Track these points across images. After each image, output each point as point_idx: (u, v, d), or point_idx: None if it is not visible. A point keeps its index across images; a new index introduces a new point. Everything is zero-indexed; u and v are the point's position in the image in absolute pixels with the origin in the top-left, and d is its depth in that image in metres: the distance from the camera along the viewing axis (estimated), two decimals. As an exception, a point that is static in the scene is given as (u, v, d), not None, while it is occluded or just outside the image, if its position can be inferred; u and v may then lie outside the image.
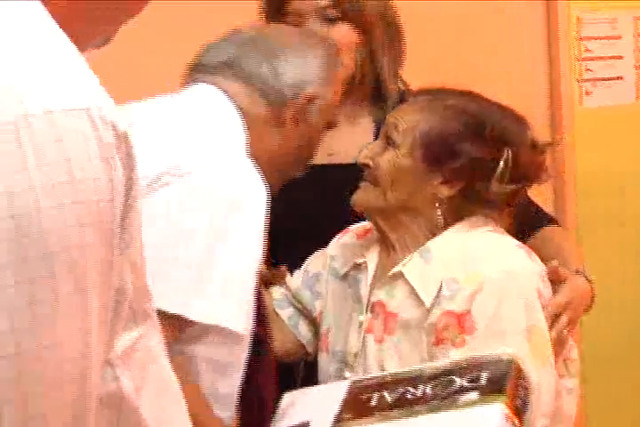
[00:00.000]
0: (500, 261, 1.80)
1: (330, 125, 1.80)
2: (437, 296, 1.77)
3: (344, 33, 2.08)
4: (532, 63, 3.47)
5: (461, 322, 1.74)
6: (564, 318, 1.84)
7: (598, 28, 3.51)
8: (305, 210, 2.06)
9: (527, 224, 2.09)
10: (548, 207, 3.05)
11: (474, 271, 1.77)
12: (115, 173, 0.94)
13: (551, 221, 2.21)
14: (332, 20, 2.07)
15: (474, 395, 1.58)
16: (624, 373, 3.60)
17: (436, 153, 1.84)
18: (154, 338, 1.09)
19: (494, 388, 1.59)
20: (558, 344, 1.84)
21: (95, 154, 0.92)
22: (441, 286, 1.78)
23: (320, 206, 2.02)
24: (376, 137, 2.07)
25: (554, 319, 1.83)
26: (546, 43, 3.45)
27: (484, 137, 1.84)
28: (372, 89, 2.14)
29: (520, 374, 1.63)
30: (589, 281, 1.95)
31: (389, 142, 1.87)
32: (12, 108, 0.90)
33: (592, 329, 3.05)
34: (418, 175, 1.84)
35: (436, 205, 1.83)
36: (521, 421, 1.58)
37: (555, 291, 1.86)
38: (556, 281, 1.86)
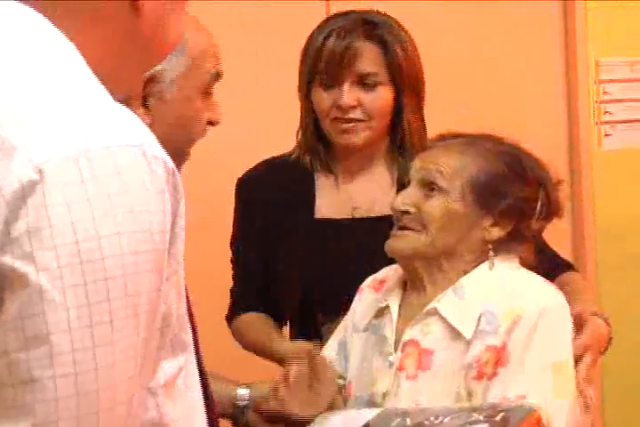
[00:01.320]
0: (535, 297, 1.81)
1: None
2: (476, 330, 1.77)
3: (382, 98, 2.10)
4: (552, 106, 3.49)
5: (499, 355, 1.75)
6: (587, 359, 1.85)
7: (617, 70, 3.53)
8: (340, 262, 2.06)
9: (546, 270, 2.06)
10: (566, 250, 3.22)
11: (511, 306, 1.77)
12: (166, 204, 0.97)
13: (569, 267, 2.21)
14: (369, 86, 2.08)
15: (484, 426, 1.63)
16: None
17: (488, 196, 1.84)
18: (191, 368, 1.11)
19: (504, 424, 1.62)
20: (584, 382, 1.84)
21: (150, 186, 0.96)
22: (479, 320, 1.78)
23: (357, 258, 2.00)
24: (398, 185, 2.11)
25: (577, 359, 1.83)
26: (565, 86, 3.49)
27: (525, 177, 1.86)
28: (391, 140, 2.15)
29: (538, 423, 1.64)
30: (608, 324, 1.96)
31: (433, 188, 1.85)
32: (74, 143, 0.93)
33: (610, 368, 3.05)
34: (470, 219, 1.84)
35: (489, 246, 1.83)
36: None
37: (576, 332, 1.87)
38: (578, 325, 1.87)
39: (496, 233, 1.84)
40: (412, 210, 1.85)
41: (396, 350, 1.86)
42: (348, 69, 2.07)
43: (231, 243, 2.32)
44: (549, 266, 2.12)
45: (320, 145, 2.19)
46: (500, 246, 1.87)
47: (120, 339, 0.96)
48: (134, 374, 0.98)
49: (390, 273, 1.98)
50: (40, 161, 0.93)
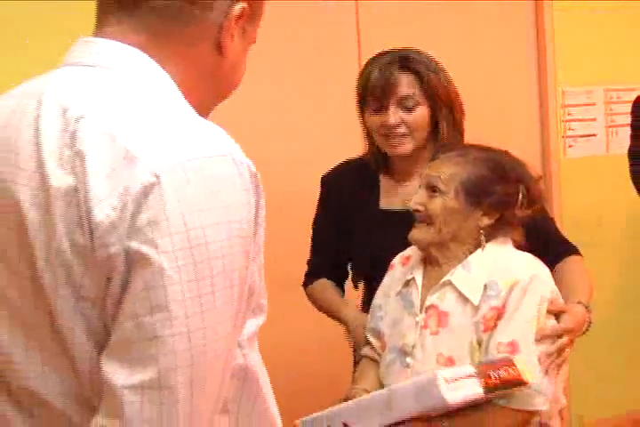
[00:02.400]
0: (527, 268, 1.93)
1: None
2: (483, 295, 1.89)
3: (420, 116, 2.23)
4: (529, 124, 3.77)
5: (499, 313, 1.87)
6: (564, 340, 1.93)
7: (577, 97, 3.87)
8: (395, 243, 2.12)
9: (555, 253, 2.22)
10: None
11: (509, 276, 1.89)
12: (251, 199, 1.06)
13: (576, 251, 2.28)
14: (409, 107, 2.22)
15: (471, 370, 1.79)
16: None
17: (476, 194, 1.95)
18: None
19: (486, 368, 1.78)
20: (558, 361, 1.92)
21: (239, 186, 1.05)
22: (485, 288, 1.90)
23: (406, 240, 2.03)
24: None
25: (554, 340, 1.92)
26: (539, 108, 3.78)
27: (506, 177, 1.97)
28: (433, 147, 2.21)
29: (511, 366, 1.78)
30: (589, 310, 2.05)
31: (435, 190, 1.97)
32: (181, 154, 1.03)
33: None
34: (464, 213, 1.96)
35: (481, 232, 1.95)
36: (489, 395, 1.78)
37: (558, 319, 1.95)
38: (553, 311, 1.94)
39: (486, 221, 1.96)
40: (421, 208, 1.98)
41: (420, 311, 1.98)
42: (390, 95, 2.20)
43: (313, 224, 2.44)
44: (560, 250, 2.25)
45: (379, 153, 2.31)
46: (494, 232, 1.98)
47: (220, 305, 1.03)
48: (231, 331, 1.06)
49: (415, 251, 2.08)
50: (156, 168, 1.00)
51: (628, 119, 3.47)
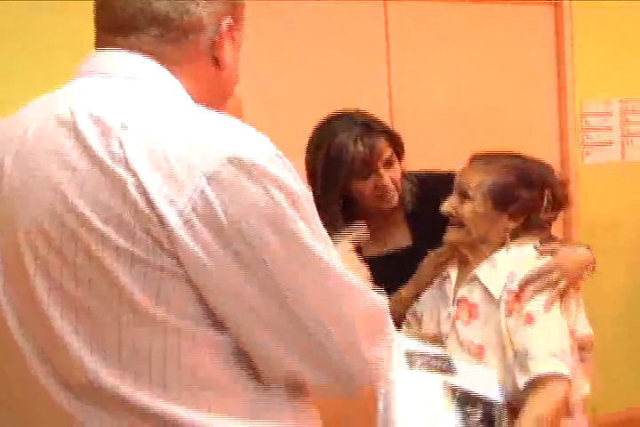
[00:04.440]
0: (538, 262, 1.99)
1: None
2: (504, 288, 1.95)
3: (399, 170, 2.29)
4: (550, 132, 3.81)
5: (518, 297, 1.94)
6: (555, 273, 1.97)
7: (594, 107, 3.91)
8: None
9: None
10: (558, 233, 3.22)
11: (525, 269, 1.97)
12: (293, 178, 1.14)
13: (553, 239, 2.16)
14: (390, 167, 2.25)
15: None
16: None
17: (502, 200, 1.99)
18: None
19: None
20: (553, 294, 1.96)
21: (291, 168, 1.14)
22: (506, 281, 1.96)
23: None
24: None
25: (548, 280, 1.96)
26: (558, 118, 3.83)
27: (531, 183, 2.00)
28: None
29: None
30: (590, 251, 2.07)
31: (465, 196, 2.01)
32: (221, 153, 1.09)
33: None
34: (491, 217, 2.00)
35: (507, 235, 1.99)
36: None
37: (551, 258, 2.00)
38: (545, 252, 2.01)
39: (512, 225, 2.00)
40: (453, 212, 2.03)
41: (453, 303, 2.03)
42: (378, 160, 2.22)
43: None
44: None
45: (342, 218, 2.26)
46: (520, 233, 2.01)
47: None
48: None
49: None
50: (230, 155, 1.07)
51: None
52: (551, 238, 2.10)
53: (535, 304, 1.91)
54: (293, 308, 1.12)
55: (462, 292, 2.02)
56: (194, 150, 1.08)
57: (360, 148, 2.18)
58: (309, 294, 1.13)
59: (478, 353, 1.95)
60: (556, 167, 3.20)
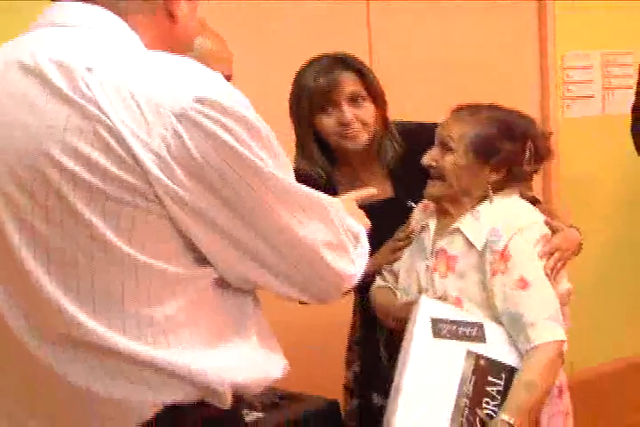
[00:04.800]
0: (526, 217, 2.01)
1: None
2: (486, 242, 1.95)
3: (370, 110, 2.24)
4: (531, 86, 3.82)
5: (503, 256, 1.94)
6: (556, 255, 2.00)
7: (577, 61, 3.93)
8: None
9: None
10: (538, 186, 3.49)
11: (510, 224, 1.97)
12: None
13: (537, 201, 2.24)
14: (358, 105, 2.22)
15: None
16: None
17: (483, 152, 1.99)
18: None
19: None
20: (554, 274, 1.99)
21: (247, 112, 1.18)
22: (488, 234, 1.96)
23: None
24: None
25: (549, 256, 1.99)
26: (539, 72, 3.84)
27: (513, 136, 2.00)
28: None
29: None
30: (579, 232, 2.13)
31: (446, 148, 2.00)
32: (189, 93, 1.14)
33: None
34: (473, 169, 2.00)
35: (489, 187, 2.00)
36: None
37: (552, 237, 2.03)
38: (550, 230, 2.03)
39: (494, 177, 2.00)
40: (434, 164, 2.02)
41: (431, 256, 2.04)
42: (340, 93, 2.19)
43: None
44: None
45: (325, 160, 2.28)
46: (502, 185, 2.02)
47: None
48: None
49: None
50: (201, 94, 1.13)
51: (624, 81, 3.50)
52: (532, 197, 2.12)
53: (532, 270, 1.94)
54: (261, 224, 1.20)
55: (441, 243, 2.03)
56: (161, 91, 1.11)
57: (320, 80, 2.19)
58: (275, 214, 1.21)
59: (456, 306, 1.97)
60: (538, 121, 3.26)
